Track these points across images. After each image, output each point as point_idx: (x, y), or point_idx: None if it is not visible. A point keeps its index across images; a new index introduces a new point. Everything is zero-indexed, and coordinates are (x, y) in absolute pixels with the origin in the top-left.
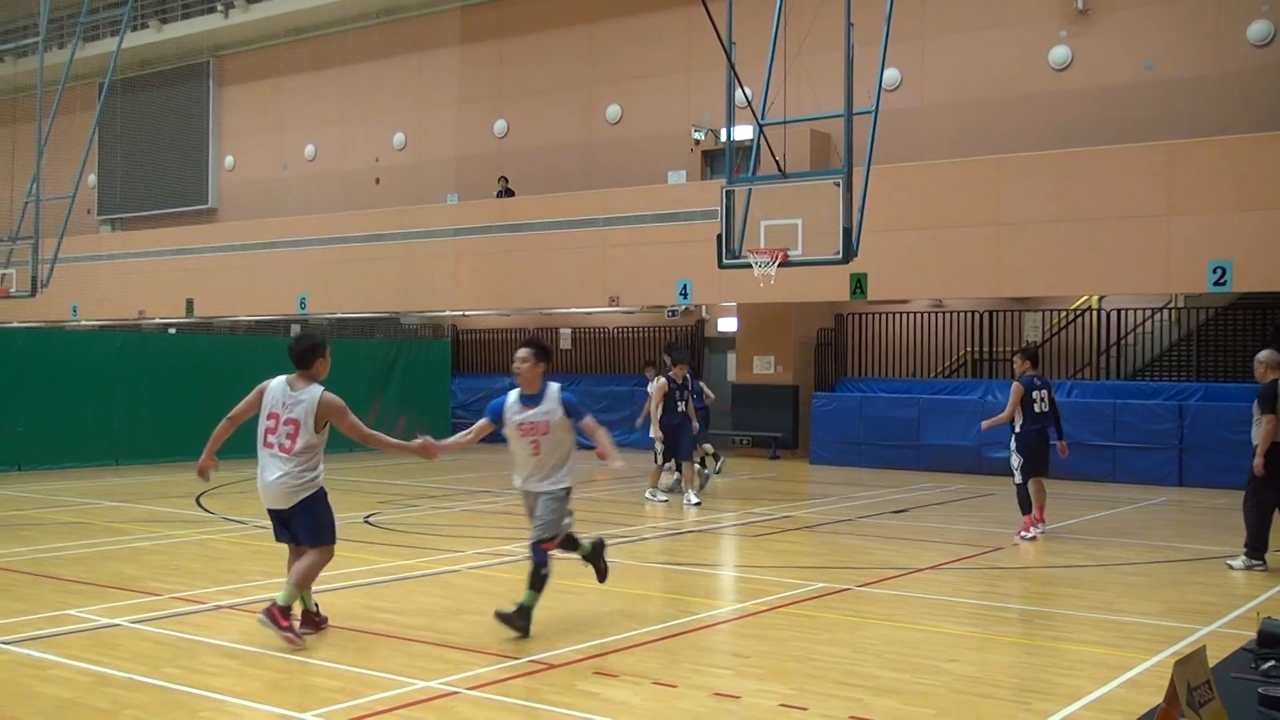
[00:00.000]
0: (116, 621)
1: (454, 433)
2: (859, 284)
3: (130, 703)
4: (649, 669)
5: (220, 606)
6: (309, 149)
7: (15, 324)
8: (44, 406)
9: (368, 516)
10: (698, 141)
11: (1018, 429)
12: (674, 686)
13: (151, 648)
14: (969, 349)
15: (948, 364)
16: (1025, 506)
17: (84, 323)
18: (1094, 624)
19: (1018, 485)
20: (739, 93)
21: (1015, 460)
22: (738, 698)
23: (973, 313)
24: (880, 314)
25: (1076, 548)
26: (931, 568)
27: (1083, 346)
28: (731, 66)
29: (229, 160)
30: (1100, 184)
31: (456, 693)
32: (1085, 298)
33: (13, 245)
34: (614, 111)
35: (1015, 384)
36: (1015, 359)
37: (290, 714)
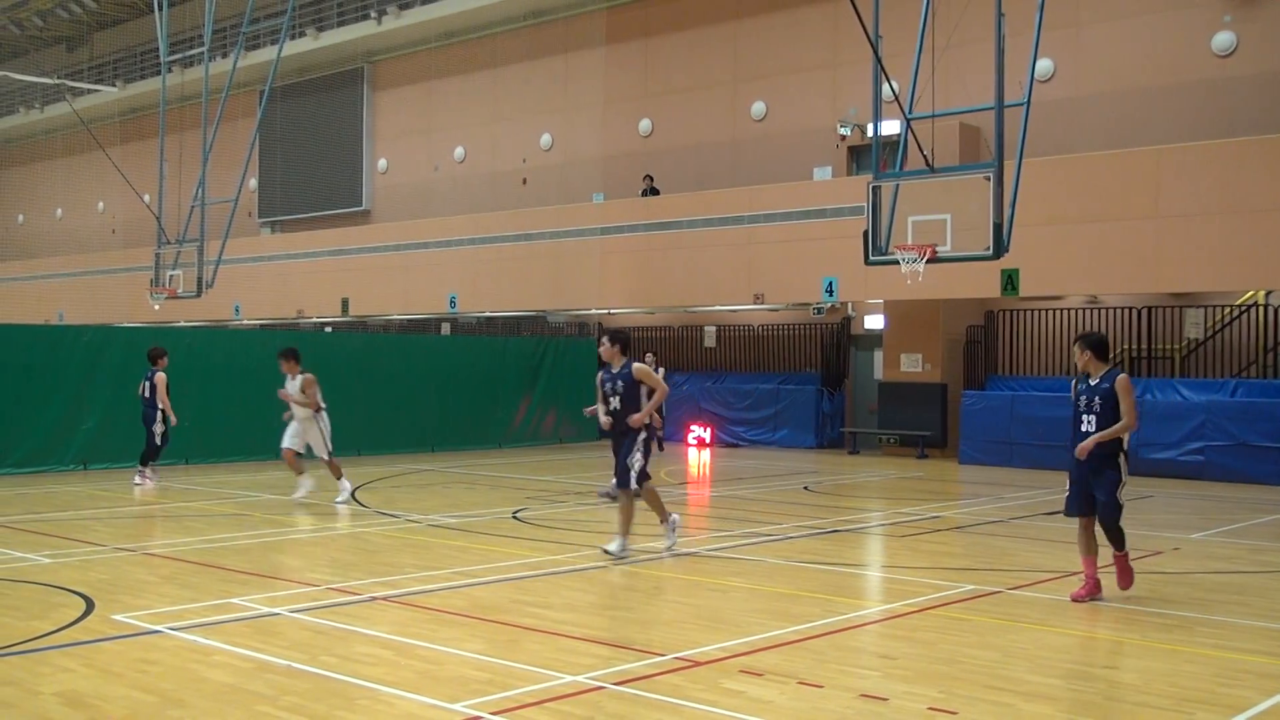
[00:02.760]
0: (276, 610)
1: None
2: (1010, 280)
3: (289, 689)
4: (795, 668)
5: (375, 598)
6: (459, 151)
7: (182, 323)
8: (210, 402)
9: (515, 512)
10: (843, 137)
11: (1127, 444)
12: (820, 687)
13: (309, 636)
14: (1126, 346)
15: None
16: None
17: (245, 322)
18: (1259, 632)
19: (1117, 511)
20: (886, 87)
21: (1123, 473)
22: (885, 700)
23: (1130, 309)
24: (1032, 310)
25: (1241, 553)
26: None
27: (1247, 344)
28: (878, 60)
29: (382, 163)
30: (1267, 174)
31: (603, 688)
32: (1250, 293)
33: (180, 248)
34: (759, 108)
35: (1126, 378)
36: (1085, 350)
37: (441, 704)
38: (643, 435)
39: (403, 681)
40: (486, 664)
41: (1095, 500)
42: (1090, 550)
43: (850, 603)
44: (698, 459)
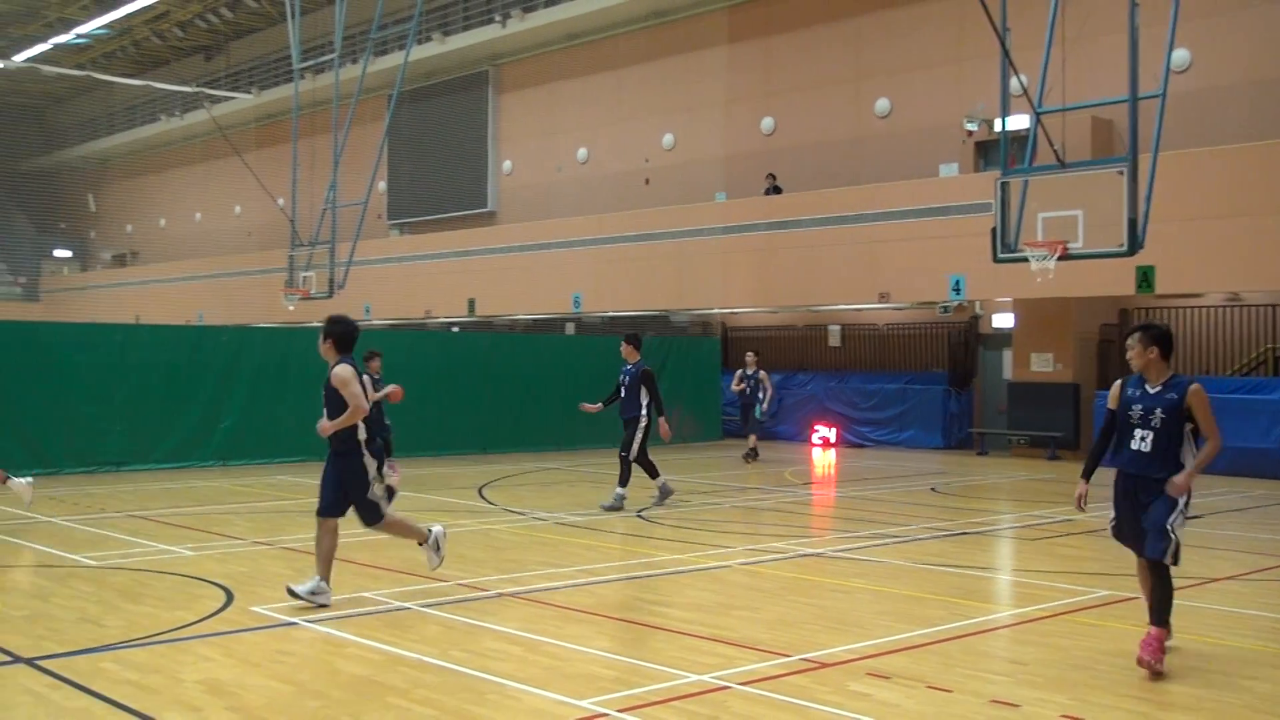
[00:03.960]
0: (407, 605)
1: (726, 430)
2: (1146, 277)
3: (421, 683)
4: (923, 672)
5: (503, 594)
6: (582, 152)
7: (315, 324)
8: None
9: (639, 511)
10: (970, 133)
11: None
12: (949, 691)
13: (439, 631)
14: (1268, 345)
15: (1244, 361)
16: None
17: (375, 322)
18: None
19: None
20: (1014, 81)
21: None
22: (1016, 706)
23: (1273, 307)
24: (1169, 308)
25: None
26: (1228, 578)
27: None
28: (1006, 54)
29: (507, 165)
30: None
31: (728, 687)
32: None
33: (312, 249)
34: (883, 105)
35: (1201, 388)
36: (1149, 346)
37: (569, 701)
38: (359, 457)
39: (531, 677)
40: (613, 661)
41: (1143, 532)
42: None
43: (979, 606)
44: (823, 459)
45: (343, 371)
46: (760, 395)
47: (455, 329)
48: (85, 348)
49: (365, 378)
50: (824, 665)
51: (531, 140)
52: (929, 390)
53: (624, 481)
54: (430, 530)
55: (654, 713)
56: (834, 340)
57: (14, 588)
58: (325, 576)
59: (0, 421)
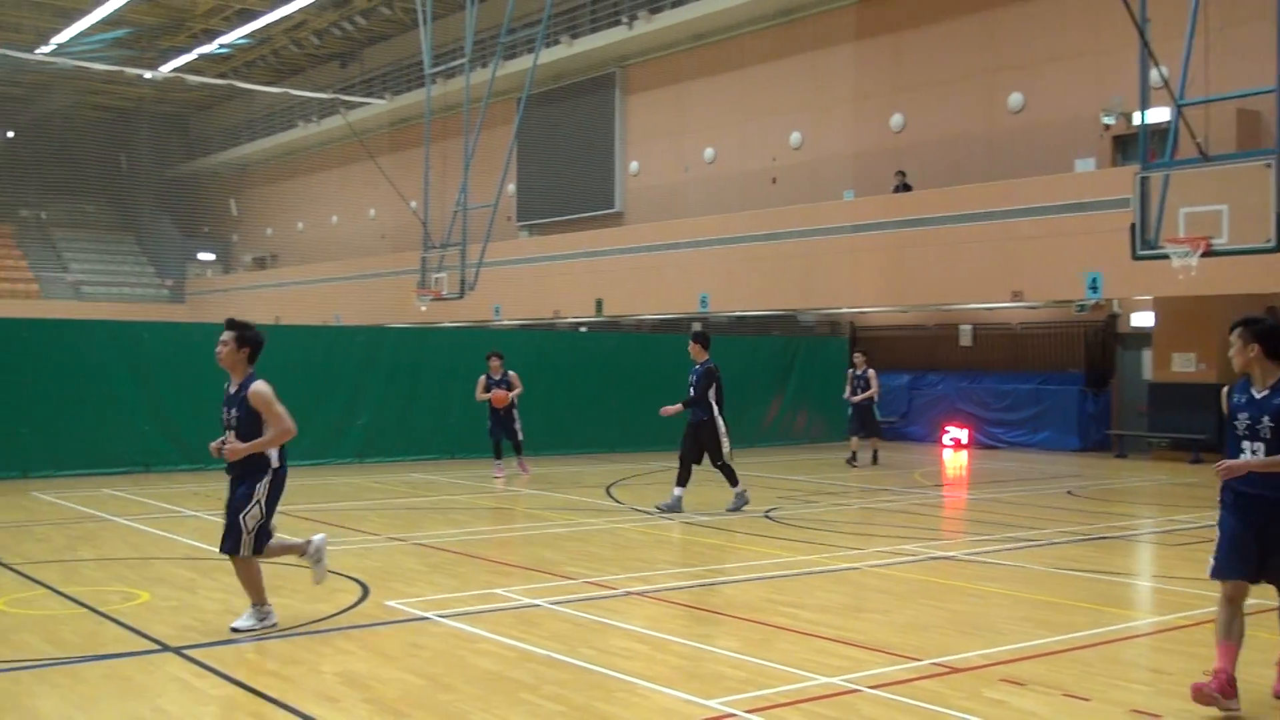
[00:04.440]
0: (536, 602)
1: (850, 430)
2: None
3: (550, 679)
4: (1060, 679)
5: (630, 593)
6: (708, 151)
7: (446, 324)
8: (469, 401)
9: (767, 511)
10: (1108, 126)
11: None
12: (1087, 700)
13: (568, 628)
14: None
15: None
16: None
17: (505, 322)
18: None
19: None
20: (1154, 72)
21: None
22: (1158, 716)
23: None
24: None
25: None
26: None
27: None
28: (1145, 45)
29: (634, 165)
30: None
31: (858, 690)
32: None
33: (444, 251)
34: (1016, 99)
35: None
36: (1250, 342)
37: (697, 700)
38: (265, 479)
39: (659, 676)
40: (741, 662)
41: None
42: (1232, 634)
43: (1119, 613)
44: (954, 461)
45: (265, 389)
46: (857, 392)
47: (583, 329)
48: None
49: (482, 377)
50: (957, 670)
51: (658, 141)
52: (1064, 391)
53: (734, 480)
54: (310, 540)
55: (783, 714)
56: (965, 340)
57: (163, 579)
58: (260, 600)
59: (153, 418)
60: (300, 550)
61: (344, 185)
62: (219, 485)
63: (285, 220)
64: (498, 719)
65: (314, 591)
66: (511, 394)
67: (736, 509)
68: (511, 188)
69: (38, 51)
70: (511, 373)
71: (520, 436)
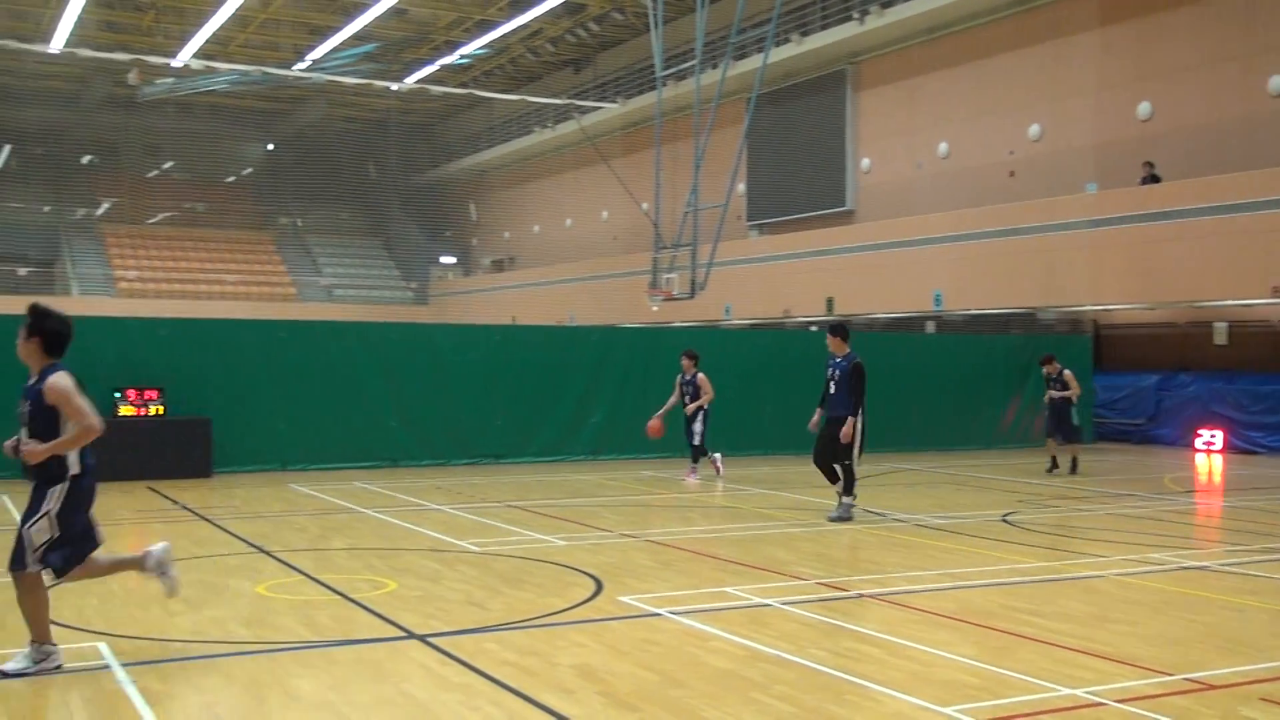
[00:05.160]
0: (767, 602)
1: (1099, 433)
2: None
3: (780, 679)
4: None
5: (862, 595)
6: (942, 147)
7: (677, 324)
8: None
9: (1005, 515)
10: None
11: None
12: None
13: (798, 629)
14: None
15: None
16: None
17: (735, 322)
18: None
19: None
20: None
21: None
22: None
23: None
24: None
25: None
26: None
27: None
28: None
29: (865, 162)
30: None
31: (1103, 704)
32: None
33: (675, 252)
34: (1277, 82)
35: None
36: None
37: (932, 707)
38: (60, 488)
39: (892, 680)
40: (978, 669)
41: None
42: None
43: None
44: (1208, 465)
45: (62, 382)
46: (1072, 398)
47: (814, 328)
48: (468, 347)
49: (678, 378)
50: (1211, 687)
51: (890, 137)
52: None
53: (850, 488)
54: (148, 552)
55: None
56: (1219, 338)
57: (409, 570)
58: (41, 638)
59: (399, 415)
60: (139, 565)
61: (578, 188)
62: (461, 480)
63: (522, 223)
64: (729, 717)
65: (550, 585)
66: (694, 404)
67: (838, 519)
68: (741, 187)
69: (295, 68)
70: (701, 375)
71: (697, 441)
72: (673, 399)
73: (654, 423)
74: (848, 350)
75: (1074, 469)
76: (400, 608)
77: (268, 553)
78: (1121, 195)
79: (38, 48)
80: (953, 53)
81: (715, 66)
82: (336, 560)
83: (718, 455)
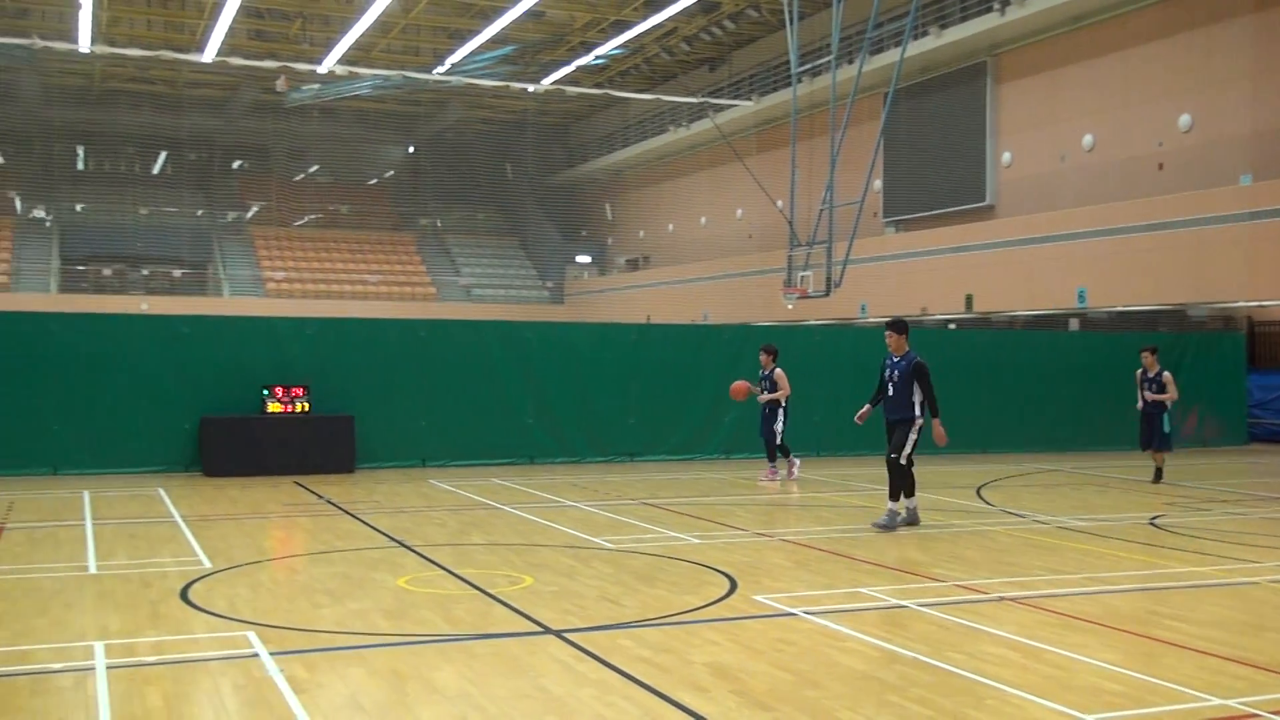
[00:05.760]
0: (904, 603)
1: (1253, 434)
2: None
3: (916, 681)
4: None
5: (1003, 598)
6: (1086, 139)
7: (811, 321)
8: (831, 398)
9: (1153, 518)
10: None
11: None
12: None
13: (935, 630)
14: None
15: None
16: None
17: (871, 320)
18: None
19: None
20: None
21: None
22: None
23: None
24: None
25: None
26: None
27: None
28: None
29: (1006, 156)
30: None
31: (1257, 715)
32: None
33: (810, 250)
34: None
35: None
36: None
37: (1073, 713)
38: None
39: (1031, 685)
40: (1121, 676)
41: None
42: None
43: None
44: None
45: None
46: (1167, 402)
47: (952, 326)
48: (603, 346)
49: (759, 372)
50: None
51: (1032, 130)
52: None
53: (896, 494)
54: None
55: None
56: None
57: (545, 565)
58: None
59: (535, 413)
60: None
61: (712, 187)
62: (596, 477)
63: (657, 222)
64: (864, 719)
65: (684, 583)
66: (768, 397)
67: (885, 527)
68: (878, 184)
69: (434, 72)
70: (779, 370)
71: (777, 440)
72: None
73: (740, 383)
74: (908, 349)
75: (1158, 478)
76: (537, 603)
77: (408, 547)
78: (1279, 187)
79: (192, 57)
80: (1097, 41)
81: (851, 62)
82: (475, 555)
83: (796, 461)
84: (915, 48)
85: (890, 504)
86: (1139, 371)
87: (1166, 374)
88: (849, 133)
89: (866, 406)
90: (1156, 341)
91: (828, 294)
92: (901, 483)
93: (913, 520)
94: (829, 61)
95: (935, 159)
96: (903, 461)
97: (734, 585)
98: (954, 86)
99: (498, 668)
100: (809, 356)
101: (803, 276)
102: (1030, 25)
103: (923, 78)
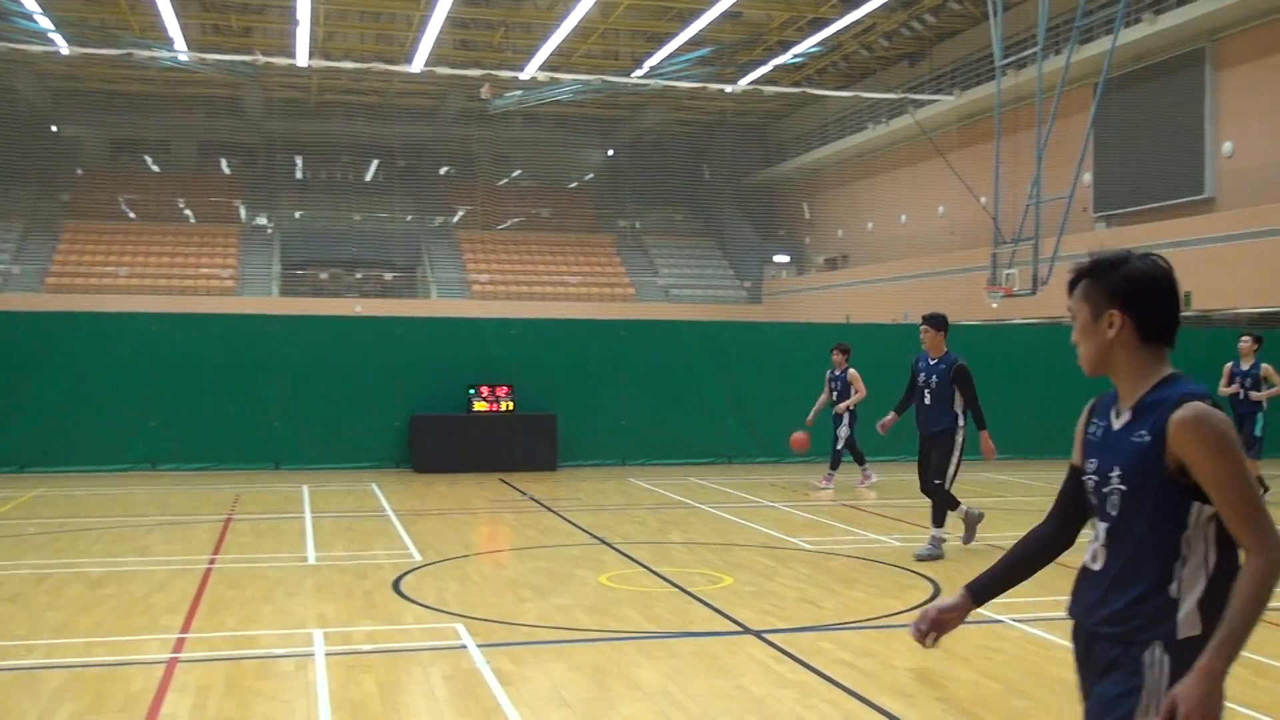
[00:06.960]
0: None
1: None
2: None
3: None
4: None
5: None
6: None
7: (1018, 320)
8: (1039, 400)
9: None
10: None
11: None
12: None
13: None
14: None
15: None
16: None
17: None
18: None
19: None
20: None
21: None
22: None
23: None
24: None
25: None
26: None
27: None
28: None
29: (1227, 146)
30: None
31: None
32: None
33: (1015, 246)
34: None
35: None
36: None
37: None
38: None
39: (1258, 702)
40: None
41: None
42: None
43: None
44: None
45: None
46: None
47: None
48: (802, 345)
49: (829, 372)
50: None
51: (1257, 118)
52: None
53: (941, 519)
54: None
55: None
56: None
57: (744, 565)
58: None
59: (734, 412)
60: None
61: (913, 184)
62: (795, 478)
63: (855, 221)
64: None
65: (886, 587)
66: (843, 404)
67: (927, 557)
68: (1087, 177)
69: (633, 75)
70: (853, 371)
71: (839, 445)
72: (822, 398)
73: (798, 435)
74: (946, 349)
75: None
76: (736, 603)
77: (609, 544)
78: None
79: (401, 68)
80: None
81: (1058, 52)
82: (674, 554)
83: (870, 473)
84: (1127, 35)
85: (934, 530)
86: (1228, 365)
87: (1266, 365)
88: (1056, 125)
89: (892, 414)
90: None
91: (1034, 292)
92: (943, 507)
93: (935, 554)
94: (1034, 53)
95: (1149, 151)
96: (947, 487)
97: (937, 589)
98: (1169, 74)
99: (698, 666)
100: (1015, 357)
101: (1008, 274)
102: (1254, 7)
103: (1135, 66)
